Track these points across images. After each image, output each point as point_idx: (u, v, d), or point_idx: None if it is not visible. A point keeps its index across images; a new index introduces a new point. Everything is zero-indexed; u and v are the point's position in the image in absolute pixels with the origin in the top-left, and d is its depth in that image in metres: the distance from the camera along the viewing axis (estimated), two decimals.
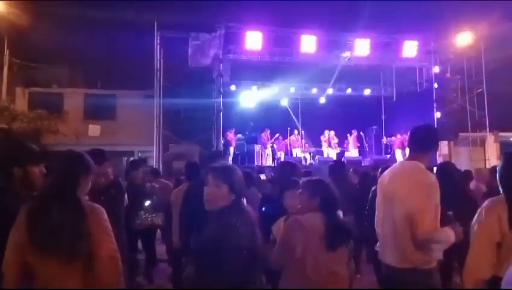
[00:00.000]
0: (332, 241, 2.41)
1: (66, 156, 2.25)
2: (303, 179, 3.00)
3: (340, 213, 2.54)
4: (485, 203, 2.23)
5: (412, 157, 2.71)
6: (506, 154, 2.33)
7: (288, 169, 3.73)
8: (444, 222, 2.53)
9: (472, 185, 5.73)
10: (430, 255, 2.50)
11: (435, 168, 5.02)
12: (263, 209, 3.52)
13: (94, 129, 16.21)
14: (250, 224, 2.20)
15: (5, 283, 1.97)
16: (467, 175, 6.19)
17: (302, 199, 2.62)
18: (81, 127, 16.09)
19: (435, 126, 13.41)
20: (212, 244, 2.04)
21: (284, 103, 16.72)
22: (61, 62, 17.87)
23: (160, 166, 12.37)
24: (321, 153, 15.06)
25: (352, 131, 15.53)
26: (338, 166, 4.41)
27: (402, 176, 2.65)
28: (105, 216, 2.10)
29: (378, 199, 2.81)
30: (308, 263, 2.39)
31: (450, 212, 2.62)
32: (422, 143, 2.68)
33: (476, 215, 2.22)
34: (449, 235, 2.45)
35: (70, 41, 16.96)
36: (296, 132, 15.24)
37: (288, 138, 15.10)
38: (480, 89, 14.68)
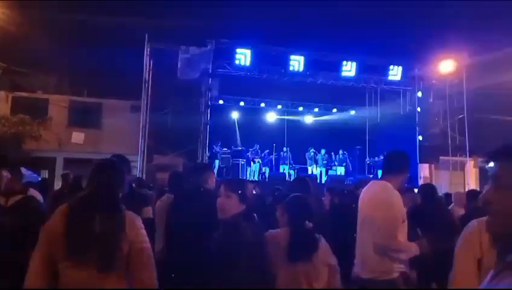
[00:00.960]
0: (293, 251, 2.45)
1: (108, 165, 2.26)
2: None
3: (309, 225, 2.58)
4: (469, 224, 2.30)
5: (382, 177, 3.00)
6: None
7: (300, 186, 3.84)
8: (411, 237, 2.87)
9: (450, 207, 5.86)
10: (391, 265, 2.73)
11: (416, 190, 5.18)
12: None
13: (78, 137, 15.98)
14: (260, 235, 2.35)
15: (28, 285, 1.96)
16: (447, 198, 6.37)
17: (279, 214, 2.78)
18: (64, 134, 15.86)
19: (414, 151, 13.76)
20: (224, 247, 2.16)
21: (271, 119, 16.87)
22: (48, 68, 17.70)
23: (144, 176, 12.27)
24: (306, 170, 15.18)
25: (339, 150, 15.75)
26: (300, 183, 4.45)
27: (370, 194, 2.96)
28: (142, 225, 2.14)
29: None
30: (278, 277, 2.43)
31: (418, 229, 2.84)
32: (394, 166, 2.95)
33: (460, 237, 2.30)
34: (410, 246, 2.74)
35: (58, 47, 16.86)
36: (284, 148, 15.36)
37: (274, 153, 15.20)
38: (462, 115, 15.09)
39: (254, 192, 6.88)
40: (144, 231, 2.12)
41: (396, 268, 2.75)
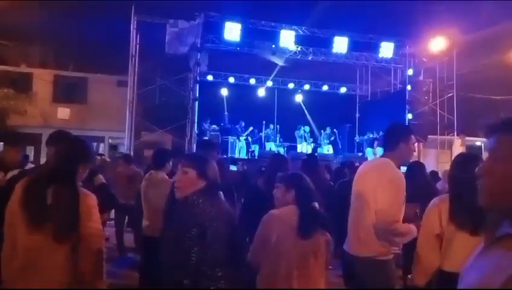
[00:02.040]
0: (304, 228, 2.40)
1: (70, 142, 2.38)
2: (278, 174, 2.98)
3: (316, 205, 2.53)
4: (432, 201, 2.51)
5: (384, 154, 2.88)
6: (461, 154, 2.64)
7: (278, 161, 3.74)
8: (410, 218, 2.76)
9: (440, 185, 5.92)
10: (389, 247, 2.68)
11: (404, 168, 5.19)
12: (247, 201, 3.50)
13: (63, 112, 15.67)
14: (226, 212, 2.19)
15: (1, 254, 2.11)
16: (433, 175, 6.44)
17: (278, 192, 2.62)
18: (50, 110, 15.54)
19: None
20: (177, 229, 2.03)
21: (261, 95, 16.71)
22: (31, 41, 17.15)
23: (132, 153, 12.14)
24: (295, 148, 15.18)
25: (326, 128, 15.72)
26: (311, 161, 4.41)
27: (371, 172, 2.85)
28: (96, 203, 2.19)
29: (351, 196, 2.95)
30: (281, 252, 2.38)
31: (417, 210, 2.77)
32: (391, 141, 2.83)
33: (425, 212, 2.51)
34: (410, 228, 2.65)
35: (42, 19, 16.27)
36: (271, 126, 15.26)
37: (263, 131, 15.13)
38: (451, 94, 15.15)
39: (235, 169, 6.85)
40: (96, 211, 2.17)
41: (392, 250, 2.72)
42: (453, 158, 2.54)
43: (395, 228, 2.59)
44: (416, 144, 2.92)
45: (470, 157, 2.52)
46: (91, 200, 2.17)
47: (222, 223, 2.09)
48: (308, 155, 4.69)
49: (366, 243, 2.70)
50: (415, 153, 15.55)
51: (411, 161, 4.78)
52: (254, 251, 2.52)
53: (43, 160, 10.49)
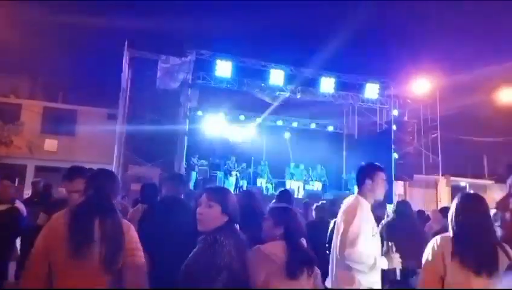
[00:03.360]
0: (292, 268, 2.34)
1: (106, 175, 2.46)
2: (269, 206, 2.98)
3: (303, 241, 2.52)
4: (432, 240, 2.49)
5: (357, 192, 3.09)
6: (463, 194, 2.59)
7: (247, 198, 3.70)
8: (385, 251, 2.90)
9: (428, 225, 5.97)
10: (353, 275, 2.77)
11: (392, 206, 5.29)
12: None
13: (51, 144, 15.50)
14: (242, 250, 2.14)
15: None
16: (421, 215, 6.51)
17: (266, 226, 2.55)
18: (37, 141, 15.35)
19: (390, 168, 14.04)
20: (198, 265, 2.00)
21: (250, 132, 16.85)
22: (21, 72, 17.20)
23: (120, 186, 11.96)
24: (284, 184, 15.16)
25: (316, 165, 15.85)
26: (284, 195, 4.42)
27: (342, 208, 3.06)
28: (135, 231, 2.33)
29: None
30: None
31: (391, 243, 2.85)
32: (359, 178, 3.08)
33: (425, 252, 2.47)
34: (368, 257, 2.74)
35: (33, 51, 16.45)
36: (261, 162, 15.33)
37: (252, 167, 15.15)
38: (435, 134, 15.53)
39: None
40: (137, 239, 2.30)
41: (362, 281, 2.76)
42: (454, 198, 2.56)
43: (348, 253, 2.70)
44: (385, 180, 3.02)
45: (472, 197, 2.53)
46: (133, 229, 2.31)
47: (239, 264, 2.07)
48: (281, 190, 4.69)
49: (332, 272, 2.91)
50: (402, 192, 15.73)
51: (398, 200, 4.85)
52: None
53: (27, 192, 10.26)
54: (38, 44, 16.41)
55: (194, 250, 2.09)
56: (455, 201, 2.51)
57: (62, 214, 2.20)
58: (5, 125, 14.24)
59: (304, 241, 2.51)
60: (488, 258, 2.26)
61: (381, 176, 3.03)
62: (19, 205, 4.09)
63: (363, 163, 3.18)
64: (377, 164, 3.11)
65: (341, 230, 2.83)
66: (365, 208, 2.89)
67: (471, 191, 2.85)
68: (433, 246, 2.43)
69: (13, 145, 14.07)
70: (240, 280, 2.06)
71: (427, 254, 2.44)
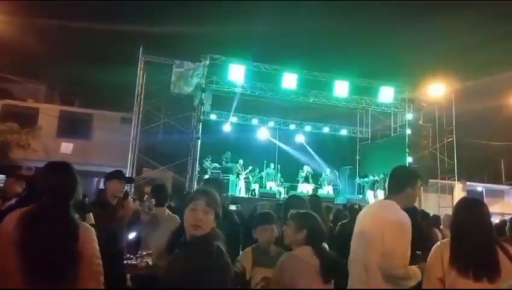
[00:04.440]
0: (327, 272, 2.38)
1: (57, 170, 2.18)
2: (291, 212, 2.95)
3: (325, 246, 2.53)
4: (435, 245, 2.50)
5: (388, 197, 2.80)
6: (463, 198, 2.61)
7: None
8: (412, 260, 2.64)
9: (440, 229, 5.89)
10: None
11: None
12: None
13: (66, 147, 15.78)
14: (224, 256, 2.08)
15: None
16: (435, 220, 6.41)
17: (290, 230, 2.57)
18: (53, 144, 15.63)
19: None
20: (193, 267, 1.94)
21: (263, 136, 16.89)
22: (39, 77, 17.58)
23: (132, 190, 12.11)
24: (295, 188, 15.13)
25: (327, 169, 15.77)
26: (315, 201, 4.36)
27: (376, 215, 2.74)
28: (95, 236, 2.11)
29: (353, 237, 2.86)
30: None
31: (419, 252, 2.72)
32: (397, 184, 2.76)
33: (428, 257, 2.48)
34: (415, 272, 2.56)
35: (50, 56, 16.79)
36: (272, 165, 15.32)
37: (265, 170, 15.16)
38: (451, 138, 15.29)
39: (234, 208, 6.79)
40: (96, 244, 2.10)
41: None
42: (454, 203, 2.55)
43: (403, 272, 2.50)
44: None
45: (471, 201, 2.51)
46: (91, 232, 2.13)
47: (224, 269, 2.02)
48: (311, 196, 4.61)
49: (370, 286, 2.59)
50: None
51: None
52: None
53: None
54: (55, 49, 16.74)
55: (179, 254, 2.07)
56: (454, 207, 2.52)
57: (12, 217, 1.99)
58: (22, 129, 14.53)
59: (326, 245, 2.52)
60: (487, 262, 2.24)
61: (419, 184, 2.88)
62: None
63: (402, 167, 2.97)
64: (416, 170, 2.98)
65: (387, 243, 2.51)
66: (407, 217, 2.64)
67: (473, 196, 2.83)
68: (435, 251, 2.43)
69: (30, 148, 14.33)
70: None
71: (429, 259, 2.45)
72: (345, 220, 5.61)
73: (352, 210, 6.07)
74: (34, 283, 1.90)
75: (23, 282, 1.90)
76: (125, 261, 3.34)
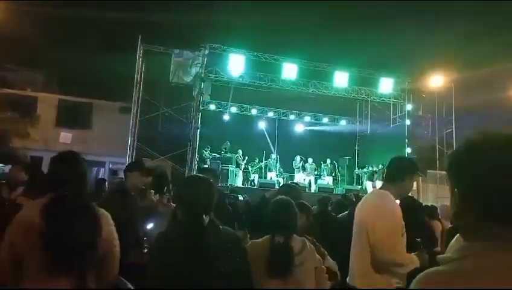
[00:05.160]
0: (273, 266, 2.24)
1: (69, 161, 2.28)
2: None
3: (297, 238, 2.39)
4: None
5: (384, 186, 2.84)
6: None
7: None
8: (412, 248, 2.68)
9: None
10: (389, 279, 2.61)
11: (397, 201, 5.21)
12: None
13: (66, 136, 15.76)
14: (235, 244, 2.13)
15: None
16: (433, 209, 6.44)
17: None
18: (52, 134, 15.63)
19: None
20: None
21: (262, 126, 16.88)
22: (37, 66, 17.49)
23: None
24: (294, 178, 15.15)
25: (326, 160, 15.79)
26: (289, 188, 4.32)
27: (370, 204, 2.79)
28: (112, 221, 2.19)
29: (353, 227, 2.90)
30: None
31: (418, 239, 2.74)
32: (395, 173, 2.79)
33: None
34: (412, 259, 2.59)
35: (49, 45, 16.68)
36: (272, 156, 15.33)
37: (264, 161, 15.18)
38: (450, 129, 15.29)
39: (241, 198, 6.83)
40: (114, 228, 2.18)
41: (395, 283, 2.63)
42: None
43: (393, 258, 2.54)
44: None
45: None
46: (109, 218, 2.22)
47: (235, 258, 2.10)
48: (323, 197, 4.69)
49: (365, 275, 2.63)
50: (414, 188, 15.58)
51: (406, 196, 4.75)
52: None
53: None
54: (54, 38, 16.61)
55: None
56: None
57: (35, 205, 2.03)
58: (21, 118, 14.50)
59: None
60: None
61: (417, 175, 2.88)
62: None
63: (402, 157, 3.00)
64: (414, 161, 2.96)
65: (378, 230, 2.56)
66: (397, 205, 2.69)
67: None
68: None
69: (30, 138, 14.32)
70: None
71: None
72: (344, 213, 5.61)
73: (352, 200, 6.07)
74: (60, 271, 1.93)
75: (48, 271, 1.92)
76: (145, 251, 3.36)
